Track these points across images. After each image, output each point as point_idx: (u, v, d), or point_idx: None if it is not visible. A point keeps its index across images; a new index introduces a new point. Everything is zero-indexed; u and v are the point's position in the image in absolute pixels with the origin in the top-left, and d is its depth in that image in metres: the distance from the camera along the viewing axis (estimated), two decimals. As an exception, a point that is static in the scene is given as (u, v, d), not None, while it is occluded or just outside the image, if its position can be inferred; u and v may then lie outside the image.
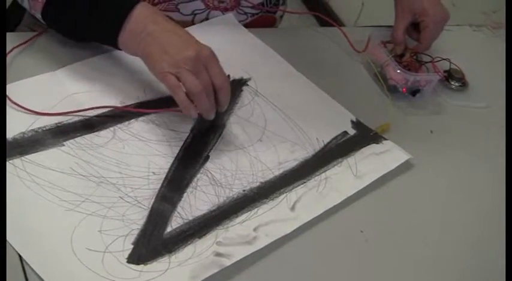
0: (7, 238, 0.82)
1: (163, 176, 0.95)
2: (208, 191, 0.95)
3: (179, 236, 0.88)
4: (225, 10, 1.27)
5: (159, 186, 0.94)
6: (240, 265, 0.87)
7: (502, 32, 1.43)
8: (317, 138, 1.07)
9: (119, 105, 1.03)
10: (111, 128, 0.99)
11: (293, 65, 1.20)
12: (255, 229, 0.91)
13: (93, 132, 0.98)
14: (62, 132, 0.97)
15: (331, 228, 0.96)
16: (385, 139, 1.10)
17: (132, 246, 0.85)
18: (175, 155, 0.98)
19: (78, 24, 1.03)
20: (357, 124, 1.12)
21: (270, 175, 0.99)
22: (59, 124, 0.97)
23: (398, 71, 1.20)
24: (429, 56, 1.26)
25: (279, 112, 1.10)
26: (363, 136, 1.10)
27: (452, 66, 1.28)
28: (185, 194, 0.94)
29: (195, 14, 1.25)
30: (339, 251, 0.94)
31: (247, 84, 1.14)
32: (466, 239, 1.01)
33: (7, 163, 0.90)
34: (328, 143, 1.07)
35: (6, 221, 0.82)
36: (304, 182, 1.00)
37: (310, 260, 0.92)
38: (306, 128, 1.08)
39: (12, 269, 0.80)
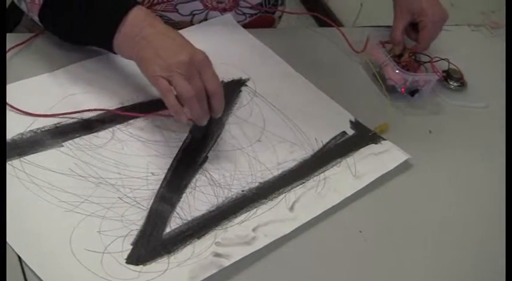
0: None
1: (162, 176, 0.95)
2: (207, 191, 0.95)
3: (178, 236, 0.88)
4: (224, 10, 1.27)
5: (158, 187, 0.94)
6: (239, 265, 0.87)
7: (501, 32, 1.43)
8: (316, 139, 1.07)
9: (118, 106, 1.03)
10: (110, 129, 1.00)
11: (292, 65, 1.20)
12: (253, 230, 0.91)
13: (92, 133, 0.98)
14: (61, 133, 0.97)
15: (330, 228, 0.96)
16: (384, 139, 1.10)
17: (131, 247, 0.85)
18: (174, 155, 0.98)
19: (74, 26, 1.03)
20: (355, 124, 1.12)
21: (268, 175, 1.00)
22: (57, 125, 0.98)
23: (397, 71, 1.20)
24: (428, 56, 1.26)
25: (277, 112, 1.10)
26: (362, 136, 1.10)
27: (451, 66, 1.28)
28: (184, 195, 0.94)
29: (194, 15, 1.25)
30: (338, 251, 0.94)
31: (246, 85, 1.14)
32: (465, 239, 1.01)
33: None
34: (327, 143, 1.07)
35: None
36: (303, 183, 1.00)
37: (309, 260, 0.92)
38: (304, 128, 1.09)
39: (11, 270, 0.80)
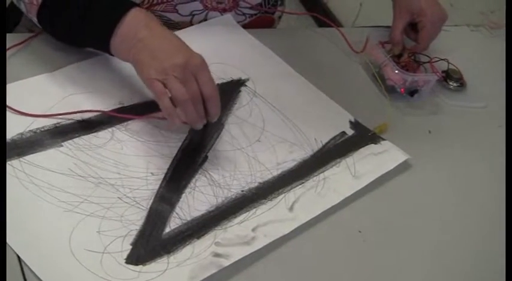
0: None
1: (162, 176, 0.95)
2: (206, 191, 0.95)
3: (178, 236, 0.88)
4: (224, 11, 1.27)
5: (157, 187, 0.94)
6: (239, 265, 0.87)
7: (500, 32, 1.43)
8: (315, 139, 1.07)
9: (118, 106, 1.03)
10: (110, 129, 1.00)
11: (291, 65, 1.21)
12: (253, 230, 0.91)
13: (92, 133, 0.98)
14: (60, 133, 0.97)
15: (329, 228, 0.96)
16: (383, 139, 1.10)
17: (130, 247, 0.85)
18: (173, 155, 0.98)
19: (71, 27, 1.02)
20: (355, 124, 1.12)
21: (268, 176, 1.00)
22: (57, 125, 0.98)
23: (397, 71, 1.20)
24: (427, 56, 1.26)
25: (277, 113, 1.11)
26: (361, 136, 1.10)
27: (450, 67, 1.28)
28: (183, 195, 0.94)
29: (194, 15, 1.25)
30: (337, 251, 0.94)
31: (246, 85, 1.14)
32: (465, 239, 1.01)
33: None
34: (327, 143, 1.07)
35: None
36: (303, 183, 1.00)
37: (309, 260, 0.92)
38: (304, 128, 1.09)
39: (11, 270, 0.80)
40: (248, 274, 0.87)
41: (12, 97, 0.98)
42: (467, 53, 1.37)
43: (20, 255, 0.81)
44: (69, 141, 0.96)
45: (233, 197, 0.95)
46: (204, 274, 0.84)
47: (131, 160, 0.96)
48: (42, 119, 0.97)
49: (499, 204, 1.02)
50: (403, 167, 1.07)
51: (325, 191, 0.99)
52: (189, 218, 0.91)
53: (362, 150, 1.08)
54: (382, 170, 1.05)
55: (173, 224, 0.89)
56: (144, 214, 0.90)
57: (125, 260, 0.84)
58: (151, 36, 0.97)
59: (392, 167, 1.06)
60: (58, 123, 0.98)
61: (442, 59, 1.27)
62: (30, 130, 0.96)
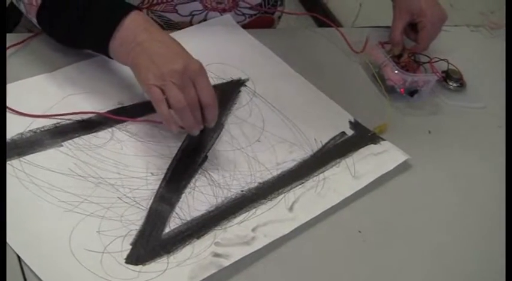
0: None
1: (162, 176, 0.95)
2: (206, 191, 0.95)
3: (177, 236, 0.88)
4: (223, 11, 1.27)
5: (157, 187, 0.94)
6: (239, 265, 0.87)
7: (500, 33, 1.43)
8: (315, 139, 1.07)
9: (117, 106, 1.03)
10: (109, 129, 1.00)
11: (291, 65, 1.21)
12: (253, 230, 0.91)
13: (92, 133, 0.98)
14: (60, 133, 0.97)
15: (329, 228, 0.96)
16: (383, 140, 1.10)
17: (130, 247, 0.85)
18: (173, 155, 0.98)
19: (71, 29, 1.02)
20: (355, 125, 1.12)
21: (268, 176, 1.00)
22: (57, 125, 0.98)
23: (396, 71, 1.20)
24: (427, 56, 1.26)
25: (277, 113, 1.11)
26: (361, 137, 1.10)
27: (450, 67, 1.28)
28: (183, 195, 0.94)
29: (193, 15, 1.25)
30: (337, 251, 0.94)
31: (245, 85, 1.14)
32: (465, 239, 1.01)
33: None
34: (326, 143, 1.07)
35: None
36: (303, 183, 1.00)
37: (309, 260, 0.92)
38: (304, 128, 1.09)
39: (11, 270, 0.80)
40: (248, 274, 0.87)
41: (12, 97, 0.98)
42: (467, 54, 1.37)
43: (20, 255, 0.81)
44: (69, 141, 0.96)
45: (233, 197, 0.95)
46: (203, 274, 0.84)
47: (131, 159, 0.96)
48: (42, 119, 0.97)
49: (499, 204, 1.02)
50: (403, 167, 1.07)
51: (325, 191, 0.99)
52: (188, 218, 0.91)
53: (362, 150, 1.08)
54: (382, 171, 1.05)
55: (173, 224, 0.89)
56: (144, 214, 0.90)
57: (124, 260, 0.84)
58: (150, 40, 0.96)
59: (392, 168, 1.06)
60: (58, 123, 0.98)
61: (442, 59, 1.27)
62: (30, 130, 0.96)
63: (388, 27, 1.30)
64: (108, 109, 1.02)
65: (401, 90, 1.20)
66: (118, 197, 0.91)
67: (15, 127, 0.95)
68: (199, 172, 0.98)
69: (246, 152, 1.03)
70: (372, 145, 1.09)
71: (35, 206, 0.87)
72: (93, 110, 1.01)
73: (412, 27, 1.28)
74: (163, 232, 0.88)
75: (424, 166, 1.09)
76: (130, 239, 0.86)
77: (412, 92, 1.20)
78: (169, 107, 0.92)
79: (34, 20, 1.05)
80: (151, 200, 0.92)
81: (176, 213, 0.91)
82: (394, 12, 1.29)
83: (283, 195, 0.97)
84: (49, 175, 0.91)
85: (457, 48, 1.36)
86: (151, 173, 0.95)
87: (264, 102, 1.12)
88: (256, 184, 0.98)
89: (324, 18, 1.40)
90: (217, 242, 0.88)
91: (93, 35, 1.01)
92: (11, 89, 1.00)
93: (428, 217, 1.02)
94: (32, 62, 1.07)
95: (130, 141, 0.99)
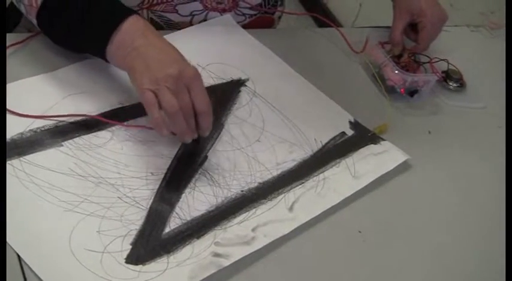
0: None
1: (162, 176, 0.95)
2: (206, 191, 0.95)
3: (177, 236, 0.88)
4: (223, 11, 1.27)
5: (157, 186, 0.94)
6: (238, 265, 0.87)
7: (500, 33, 1.43)
8: (315, 139, 1.07)
9: (118, 105, 1.03)
10: (110, 129, 0.99)
11: (291, 65, 1.21)
12: (253, 230, 0.91)
13: (92, 132, 0.98)
14: (61, 133, 0.97)
15: (329, 228, 0.96)
16: (383, 140, 1.10)
17: (130, 246, 0.85)
18: (173, 155, 0.98)
19: (70, 30, 1.02)
20: (355, 125, 1.12)
21: (268, 176, 1.00)
22: (57, 124, 0.98)
23: (396, 71, 1.20)
24: (427, 56, 1.26)
25: (277, 113, 1.11)
26: (361, 137, 1.10)
27: (450, 67, 1.28)
28: (183, 195, 0.94)
29: (193, 15, 1.25)
30: (337, 251, 0.94)
31: (245, 85, 1.14)
32: (465, 239, 1.01)
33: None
34: (326, 143, 1.07)
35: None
36: (303, 183, 1.00)
37: (309, 260, 0.92)
38: (304, 128, 1.09)
39: (11, 270, 0.80)
40: (248, 274, 0.87)
41: (12, 97, 0.98)
42: (467, 54, 1.37)
43: (20, 255, 0.81)
44: (70, 140, 0.96)
45: (233, 197, 0.95)
46: (203, 274, 0.84)
47: (131, 159, 0.96)
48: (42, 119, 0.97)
49: (499, 204, 1.02)
50: (403, 167, 1.07)
51: (325, 191, 0.99)
52: (188, 218, 0.91)
53: (362, 150, 1.08)
54: (382, 171, 1.05)
55: (173, 224, 0.90)
56: (144, 213, 0.90)
57: (124, 260, 0.84)
58: (147, 45, 0.96)
59: (392, 168, 1.06)
60: (58, 122, 0.98)
61: (442, 60, 1.27)
62: (30, 130, 0.96)
63: (388, 27, 1.30)
64: (108, 109, 1.02)
65: (402, 90, 1.20)
66: (118, 197, 0.91)
67: (15, 127, 0.95)
68: (199, 171, 0.98)
69: (246, 152, 1.03)
70: (372, 145, 1.09)
71: (35, 206, 0.87)
72: (93, 110, 1.01)
73: (412, 28, 1.28)
74: (163, 232, 0.88)
75: (424, 166, 1.09)
76: (131, 239, 0.86)
77: (412, 92, 1.20)
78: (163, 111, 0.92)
79: (34, 21, 1.05)
80: (151, 200, 0.92)
81: (176, 213, 0.91)
82: (394, 12, 1.29)
83: (283, 195, 0.97)
84: (49, 175, 0.91)
85: (457, 49, 1.36)
86: (152, 173, 0.95)
87: (264, 102, 1.12)
88: (256, 184, 0.98)
89: (324, 18, 1.40)
90: (217, 242, 0.88)
91: (91, 37, 1.00)
92: (11, 88, 1.00)
93: (428, 217, 1.02)
94: (32, 61, 1.07)
95: (130, 141, 0.99)
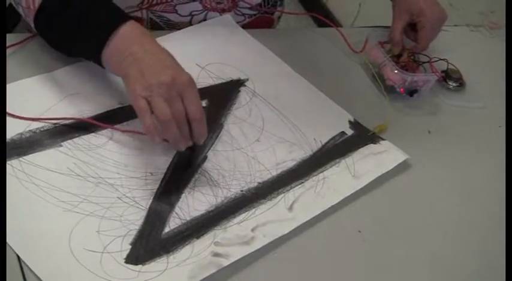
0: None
1: (161, 176, 0.95)
2: (206, 191, 0.95)
3: (177, 236, 0.88)
4: (223, 11, 1.27)
5: (156, 186, 0.94)
6: (238, 265, 0.87)
7: (500, 32, 1.43)
8: (315, 139, 1.07)
9: (117, 106, 1.03)
10: (109, 129, 0.99)
11: (291, 65, 1.21)
12: (252, 229, 0.91)
13: (91, 133, 0.98)
14: (60, 133, 0.97)
15: (329, 228, 0.96)
16: (383, 139, 1.10)
17: (130, 246, 0.85)
18: (172, 155, 0.98)
19: (68, 33, 1.01)
20: (354, 124, 1.12)
21: (267, 175, 1.00)
22: (56, 125, 0.98)
23: (396, 71, 1.20)
24: (427, 56, 1.26)
25: (276, 112, 1.11)
26: (361, 136, 1.10)
27: (450, 67, 1.28)
28: (183, 195, 0.94)
29: (193, 15, 1.25)
30: (336, 251, 0.94)
31: (245, 85, 1.14)
32: (465, 239, 1.01)
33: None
34: (326, 143, 1.07)
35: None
36: (302, 183, 1.00)
37: (308, 260, 0.92)
38: (303, 128, 1.09)
39: (10, 270, 0.80)
40: (248, 273, 0.87)
41: (11, 98, 0.98)
42: (466, 53, 1.37)
43: (19, 254, 0.81)
44: (69, 141, 0.96)
45: (232, 197, 0.95)
46: (203, 274, 0.84)
47: (130, 159, 0.96)
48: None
49: (499, 204, 1.02)
50: (402, 167, 1.07)
51: (325, 191, 0.99)
52: (188, 218, 0.91)
53: (361, 150, 1.08)
54: (382, 170, 1.05)
55: (172, 224, 0.89)
56: (144, 213, 0.90)
57: (124, 260, 0.84)
58: (142, 52, 0.95)
59: (391, 167, 1.06)
60: (57, 123, 0.98)
61: (441, 59, 1.27)
62: (29, 130, 0.96)
63: (387, 27, 1.30)
64: (108, 109, 1.02)
65: (401, 90, 1.20)
66: (117, 197, 0.91)
67: (15, 127, 0.95)
68: (199, 171, 0.98)
69: (245, 152, 1.03)
70: (372, 145, 1.09)
71: (35, 206, 0.87)
72: (92, 110, 1.01)
73: (412, 27, 1.28)
74: (163, 232, 0.88)
75: (424, 165, 1.09)
76: (130, 239, 0.86)
77: (411, 92, 1.20)
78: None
79: (32, 24, 1.05)
80: (150, 200, 0.92)
81: (176, 213, 0.91)
82: (394, 12, 1.29)
83: (282, 195, 0.97)
84: (49, 175, 0.91)
85: (457, 48, 1.36)
86: (151, 173, 0.95)
87: (263, 102, 1.12)
88: (255, 184, 0.98)
89: (324, 18, 1.40)
90: (217, 242, 0.88)
91: (87, 41, 0.99)
92: (11, 89, 1.00)
93: (428, 217, 1.02)
94: (31, 62, 1.07)
95: (129, 141, 0.99)
